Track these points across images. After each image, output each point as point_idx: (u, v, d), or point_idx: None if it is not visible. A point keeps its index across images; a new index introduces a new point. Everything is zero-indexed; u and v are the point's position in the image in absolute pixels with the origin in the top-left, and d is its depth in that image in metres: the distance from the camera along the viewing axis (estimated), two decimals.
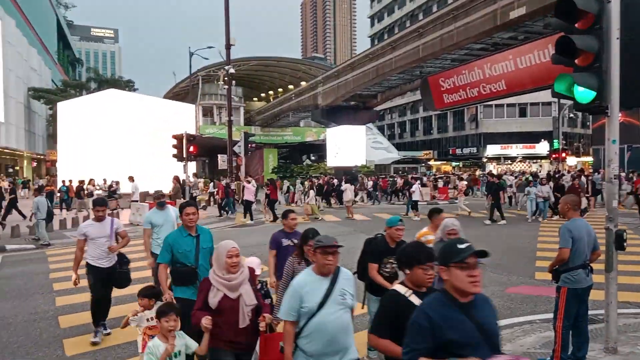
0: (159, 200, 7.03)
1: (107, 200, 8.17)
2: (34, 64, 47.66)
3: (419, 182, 22.77)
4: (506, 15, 18.77)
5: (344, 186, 22.07)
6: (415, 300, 2.74)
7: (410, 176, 31.33)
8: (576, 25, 5.20)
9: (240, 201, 21.20)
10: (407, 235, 4.91)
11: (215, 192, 23.27)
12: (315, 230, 4.55)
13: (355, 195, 29.24)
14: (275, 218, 18.53)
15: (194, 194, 21.68)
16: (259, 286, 4.44)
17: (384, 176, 37.06)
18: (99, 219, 5.95)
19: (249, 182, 20.06)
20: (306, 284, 3.16)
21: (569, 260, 4.81)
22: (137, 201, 20.46)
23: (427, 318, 2.27)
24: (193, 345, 3.52)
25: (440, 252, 2.43)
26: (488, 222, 16.97)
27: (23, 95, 42.68)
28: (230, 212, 20.90)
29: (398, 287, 2.92)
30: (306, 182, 26.40)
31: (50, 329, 6.45)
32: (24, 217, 18.09)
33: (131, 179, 21.66)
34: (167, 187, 21.52)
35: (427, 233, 5.50)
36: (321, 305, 3.07)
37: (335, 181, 27.59)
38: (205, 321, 3.32)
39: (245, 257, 4.12)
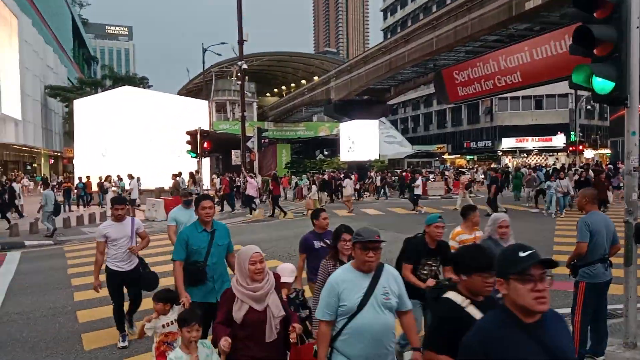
0: (185, 198, 6.73)
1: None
2: (50, 62, 48.31)
3: (420, 176, 22.57)
4: (522, 6, 18.46)
5: (344, 182, 22.08)
6: (474, 312, 2.44)
7: (412, 170, 31.25)
8: (594, 14, 5.09)
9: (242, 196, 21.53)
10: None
11: (221, 188, 23.29)
12: (347, 226, 4.20)
13: (365, 190, 29.19)
14: (273, 214, 19.17)
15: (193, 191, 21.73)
16: (293, 294, 4.18)
17: (398, 170, 36.92)
18: (119, 218, 5.68)
19: (252, 177, 20.30)
20: (344, 280, 2.89)
21: (587, 254, 4.74)
22: (135, 199, 20.76)
23: (482, 342, 1.92)
24: (216, 358, 3.21)
25: (497, 261, 2.08)
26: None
27: (40, 93, 43.33)
28: (231, 207, 21.19)
29: (452, 295, 2.57)
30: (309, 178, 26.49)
31: (69, 324, 6.55)
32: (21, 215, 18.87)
33: (130, 176, 21.97)
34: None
35: (462, 232, 5.16)
36: (362, 304, 2.81)
37: (342, 176, 27.49)
38: (224, 343, 2.96)
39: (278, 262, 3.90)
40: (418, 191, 20.14)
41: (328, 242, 4.78)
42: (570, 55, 5.76)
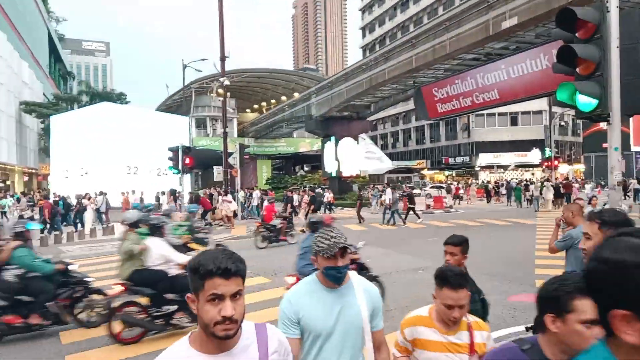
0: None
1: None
2: (25, 77, 47.43)
3: (390, 189, 22.87)
4: (498, 26, 19.01)
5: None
6: None
7: (385, 184, 31.98)
8: (577, 34, 5.29)
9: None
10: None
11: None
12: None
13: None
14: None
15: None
16: None
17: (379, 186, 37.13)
18: None
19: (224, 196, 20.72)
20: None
21: (567, 265, 4.80)
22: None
23: None
24: None
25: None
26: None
27: (14, 109, 42.41)
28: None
29: None
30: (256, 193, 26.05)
31: (51, 346, 6.34)
32: None
33: (101, 193, 21.84)
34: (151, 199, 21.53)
35: None
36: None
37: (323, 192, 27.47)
38: None
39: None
40: (393, 207, 20.45)
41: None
42: (546, 74, 6.01)
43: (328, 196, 25.93)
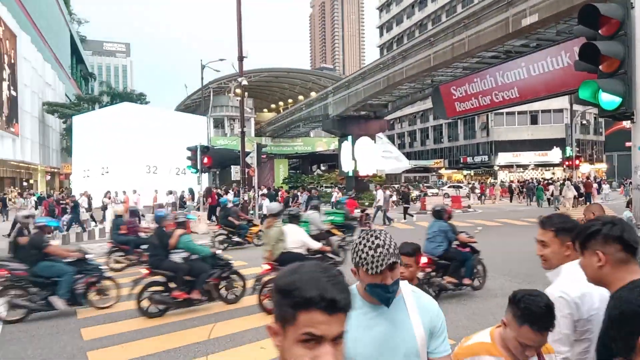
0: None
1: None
2: (48, 79, 48.41)
3: (382, 190, 22.95)
4: (518, 23, 18.73)
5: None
6: None
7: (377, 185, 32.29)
8: (600, 31, 5.18)
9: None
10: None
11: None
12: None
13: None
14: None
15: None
16: None
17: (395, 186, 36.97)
18: None
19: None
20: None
21: None
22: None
23: None
24: None
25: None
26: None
27: (38, 109, 43.33)
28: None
29: None
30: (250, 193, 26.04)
31: (73, 342, 6.47)
32: None
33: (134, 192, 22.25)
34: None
35: None
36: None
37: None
38: None
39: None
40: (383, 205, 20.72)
41: None
42: (567, 72, 5.91)
43: (336, 195, 26.07)
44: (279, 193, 28.81)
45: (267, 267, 7.41)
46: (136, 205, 19.04)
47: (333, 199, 25.60)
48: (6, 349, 6.25)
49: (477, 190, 35.07)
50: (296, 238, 7.50)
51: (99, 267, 8.15)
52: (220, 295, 7.94)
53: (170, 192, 23.89)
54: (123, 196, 22.79)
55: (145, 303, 7.33)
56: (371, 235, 1.78)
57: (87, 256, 8.00)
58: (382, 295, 1.77)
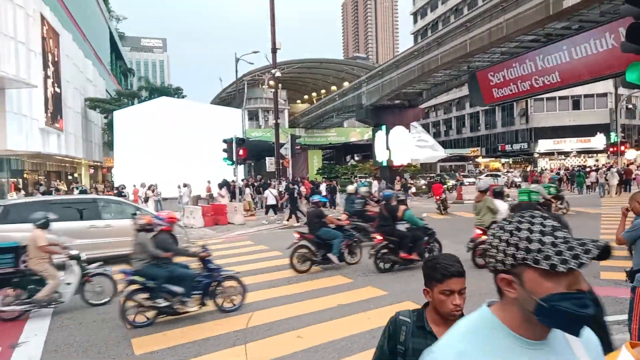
0: None
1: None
2: (89, 75, 49.98)
3: (376, 181, 22.12)
4: (559, 4, 17.99)
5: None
6: None
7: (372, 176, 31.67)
8: None
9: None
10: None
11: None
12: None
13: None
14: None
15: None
16: None
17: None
18: None
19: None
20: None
21: (635, 256, 4.57)
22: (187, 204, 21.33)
23: None
24: None
25: None
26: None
27: (80, 105, 44.87)
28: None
29: None
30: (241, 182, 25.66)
31: (118, 329, 6.71)
32: None
33: (184, 185, 22.55)
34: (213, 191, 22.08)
35: None
36: None
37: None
38: None
39: None
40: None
41: None
42: (613, 54, 5.62)
43: (378, 186, 25.62)
44: (303, 184, 28.10)
45: (479, 232, 9.36)
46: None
47: (374, 191, 23.15)
48: (55, 336, 6.56)
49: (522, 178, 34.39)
50: (504, 209, 9.19)
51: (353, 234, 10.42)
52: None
53: (185, 185, 23.52)
54: (146, 190, 23.25)
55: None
56: (531, 217, 1.16)
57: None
58: (577, 311, 1.05)
